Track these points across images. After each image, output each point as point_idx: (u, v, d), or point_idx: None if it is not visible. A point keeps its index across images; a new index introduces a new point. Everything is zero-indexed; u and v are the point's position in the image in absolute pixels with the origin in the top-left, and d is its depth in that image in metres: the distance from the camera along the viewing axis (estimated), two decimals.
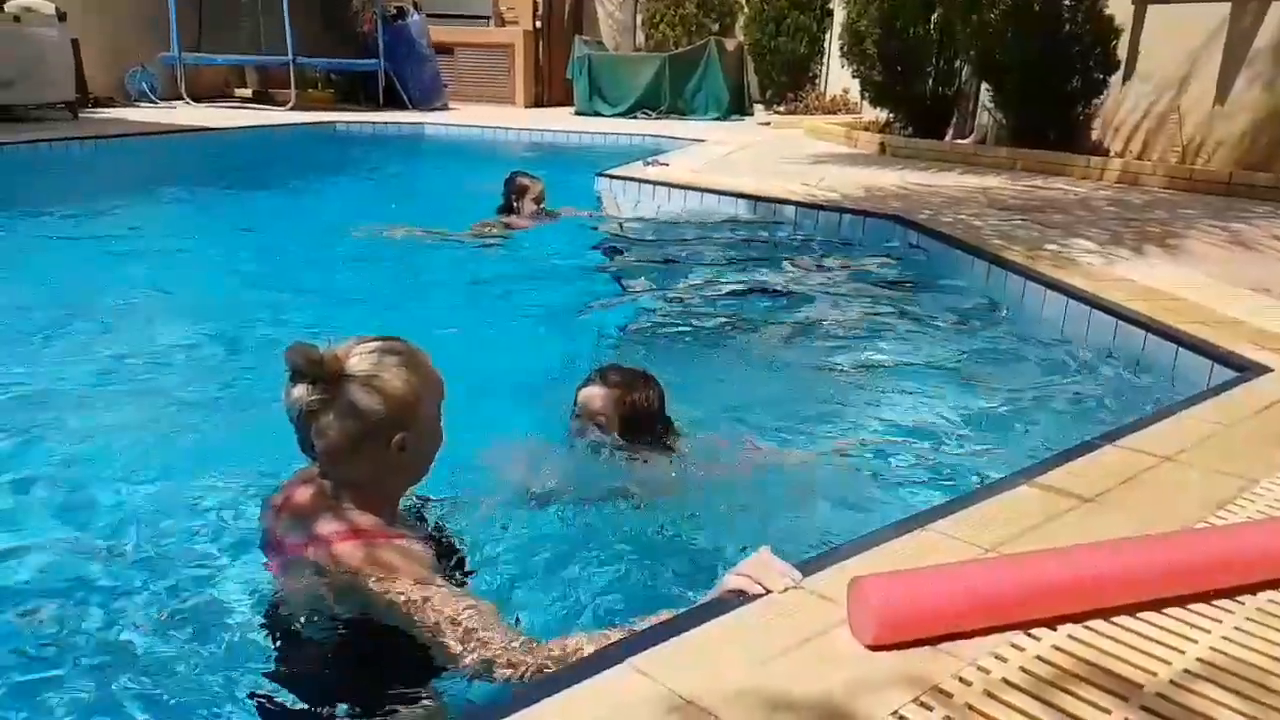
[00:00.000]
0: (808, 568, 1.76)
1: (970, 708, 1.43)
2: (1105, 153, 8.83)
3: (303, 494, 1.78)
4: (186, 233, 6.67)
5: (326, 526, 1.71)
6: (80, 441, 2.91)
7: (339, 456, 1.71)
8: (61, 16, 10.91)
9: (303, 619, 1.71)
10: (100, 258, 5.70)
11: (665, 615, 1.67)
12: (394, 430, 1.70)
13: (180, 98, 13.82)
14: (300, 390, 1.67)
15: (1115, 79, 8.88)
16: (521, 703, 1.42)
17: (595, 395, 2.59)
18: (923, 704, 1.44)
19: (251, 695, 1.73)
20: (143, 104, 13.57)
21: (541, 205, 6.32)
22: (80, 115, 11.28)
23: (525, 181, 6.28)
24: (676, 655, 1.54)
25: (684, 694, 1.43)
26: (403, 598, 1.62)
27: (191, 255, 5.95)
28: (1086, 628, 1.64)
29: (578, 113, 15.26)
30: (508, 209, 6.28)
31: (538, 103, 16.98)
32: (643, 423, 2.61)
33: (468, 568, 1.97)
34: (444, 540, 1.97)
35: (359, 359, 1.69)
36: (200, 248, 6.18)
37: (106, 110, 12.51)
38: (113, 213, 7.15)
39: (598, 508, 2.42)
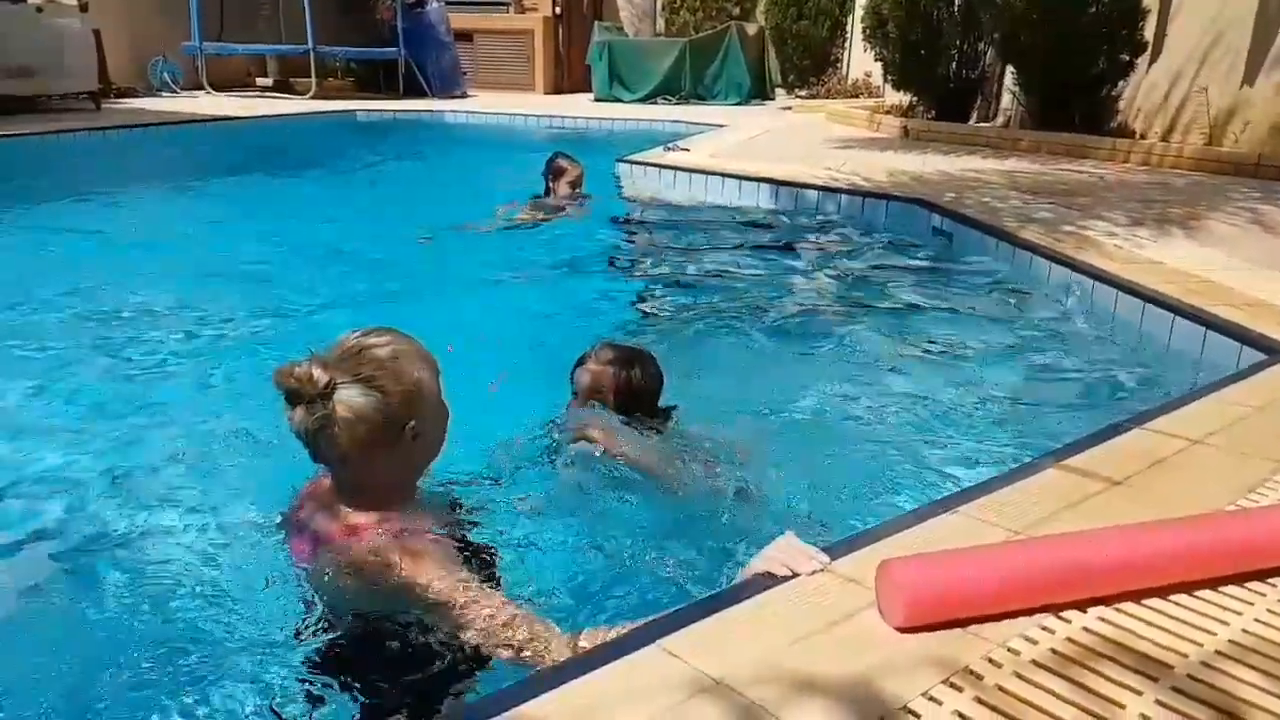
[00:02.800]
0: (835, 551, 1.76)
1: (1001, 689, 1.43)
2: (1131, 135, 8.73)
3: (319, 497, 1.79)
4: (211, 220, 6.72)
5: (338, 526, 1.71)
6: (110, 426, 2.94)
7: (355, 462, 1.70)
8: (84, 7, 10.99)
9: (331, 615, 1.71)
10: (125, 246, 5.76)
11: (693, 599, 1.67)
12: (404, 421, 1.69)
13: (201, 87, 13.90)
14: (299, 413, 1.65)
15: (1142, 61, 8.76)
16: (551, 683, 1.43)
17: (591, 372, 2.54)
18: (953, 685, 1.43)
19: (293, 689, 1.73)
20: (164, 94, 13.65)
21: (577, 190, 6.27)
22: (103, 105, 11.36)
23: (564, 164, 6.24)
24: (705, 637, 1.55)
25: (713, 675, 1.44)
26: (423, 590, 1.61)
27: (218, 242, 5.99)
28: (1117, 610, 1.63)
29: (597, 99, 15.23)
30: (547, 190, 6.24)
31: (557, 89, 16.95)
32: (640, 401, 2.56)
33: (492, 553, 1.95)
34: (467, 526, 1.96)
35: (347, 364, 1.66)
36: (226, 235, 6.22)
37: (129, 100, 12.60)
38: (137, 201, 7.23)
39: (608, 493, 2.38)
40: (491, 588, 1.69)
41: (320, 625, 1.72)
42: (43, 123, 9.57)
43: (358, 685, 1.69)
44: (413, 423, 1.70)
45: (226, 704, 1.72)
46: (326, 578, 1.69)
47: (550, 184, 6.23)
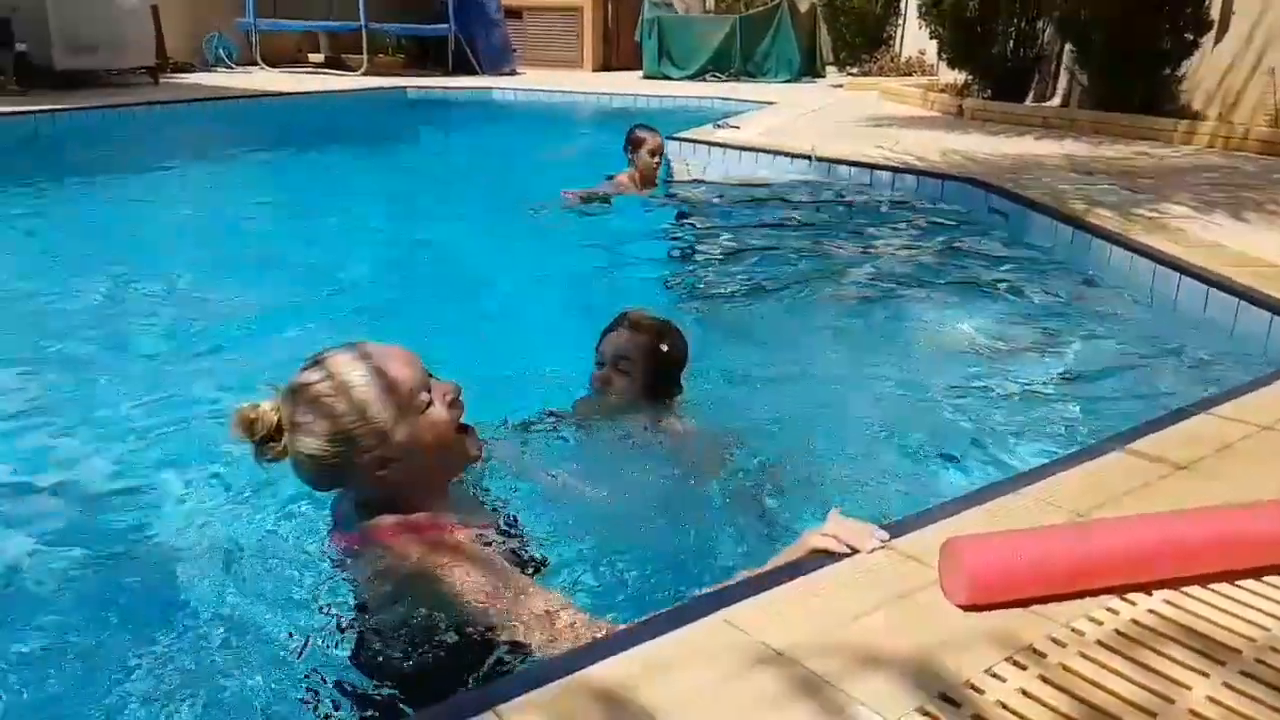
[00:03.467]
0: (896, 529, 1.77)
1: (1065, 667, 1.43)
2: (1194, 116, 8.50)
3: (344, 501, 1.80)
4: (264, 195, 6.83)
5: (357, 531, 1.70)
6: (148, 408, 2.93)
7: (334, 486, 1.73)
8: None
9: (363, 609, 1.69)
10: (180, 220, 5.87)
11: (748, 573, 1.68)
12: (357, 453, 1.63)
13: (255, 63, 14.07)
14: (257, 452, 1.64)
15: (1206, 40, 8.52)
16: (613, 648, 1.46)
17: (624, 341, 2.44)
18: (1015, 663, 1.44)
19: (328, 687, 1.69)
20: (219, 69, 13.85)
21: (657, 159, 6.21)
22: (160, 81, 11.56)
23: (643, 134, 6.17)
24: (767, 609, 1.56)
25: (775, 646, 1.46)
26: (454, 587, 1.57)
27: (272, 218, 6.08)
28: (1183, 593, 1.62)
29: (646, 76, 15.16)
30: (629, 162, 6.18)
31: (605, 66, 16.90)
32: (671, 374, 2.51)
33: (528, 545, 1.88)
34: (507, 530, 1.88)
35: (289, 401, 1.63)
36: (280, 210, 6.31)
37: (185, 75, 12.80)
38: (195, 176, 7.37)
39: (646, 472, 2.31)
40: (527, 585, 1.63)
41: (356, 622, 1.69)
42: (103, 97, 9.76)
43: (389, 679, 1.63)
44: (371, 454, 1.63)
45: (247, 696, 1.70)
46: (356, 579, 1.69)
47: (630, 155, 6.16)
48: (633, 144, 6.15)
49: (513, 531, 1.88)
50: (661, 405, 2.50)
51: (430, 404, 1.69)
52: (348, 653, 1.67)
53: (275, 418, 1.63)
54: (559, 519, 2.06)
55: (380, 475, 1.66)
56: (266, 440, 1.63)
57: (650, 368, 2.44)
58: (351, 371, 1.64)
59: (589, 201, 5.91)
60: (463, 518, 1.76)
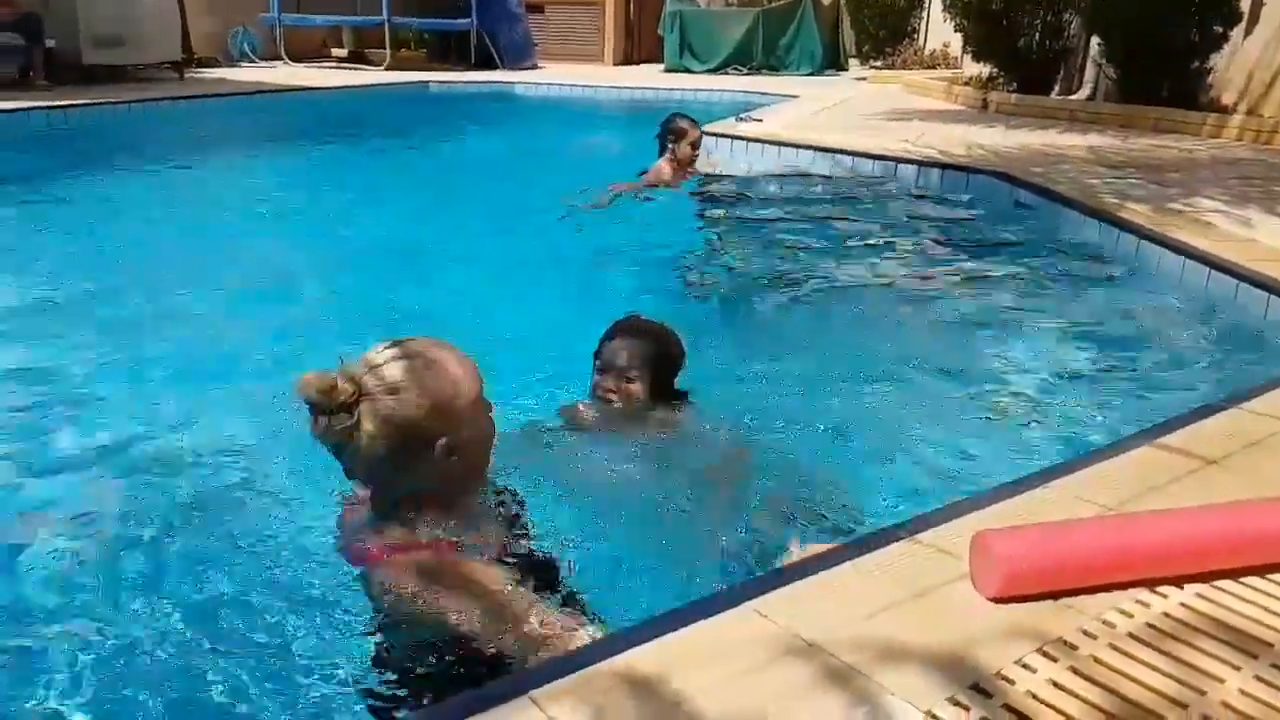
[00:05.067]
0: (927, 521, 1.77)
1: (1095, 659, 1.43)
2: (1223, 110, 8.40)
3: (358, 509, 1.75)
4: (294, 191, 6.85)
5: (376, 543, 1.65)
6: (174, 402, 2.94)
7: (383, 477, 1.64)
8: None
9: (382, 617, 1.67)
10: (207, 215, 5.92)
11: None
12: (433, 436, 1.59)
13: (279, 58, 14.15)
14: (322, 423, 1.57)
15: (1236, 32, 8.41)
16: (645, 637, 1.47)
17: (628, 348, 2.39)
18: (1046, 654, 1.44)
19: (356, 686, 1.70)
20: (244, 64, 13.93)
21: (696, 151, 6.16)
22: (186, 75, 11.64)
23: (684, 125, 6.12)
24: (796, 600, 1.57)
25: (805, 637, 1.47)
26: (454, 622, 1.53)
27: (302, 213, 6.10)
28: (1215, 587, 1.62)
29: (667, 69, 15.12)
30: (662, 150, 6.12)
31: (627, 60, 16.88)
32: (671, 377, 2.47)
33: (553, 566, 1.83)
34: (526, 540, 1.84)
35: (375, 373, 1.58)
36: (311, 205, 6.34)
37: (210, 70, 12.88)
38: (222, 169, 7.44)
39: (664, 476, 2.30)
40: (547, 600, 1.60)
41: (375, 625, 1.68)
42: (129, 91, 9.85)
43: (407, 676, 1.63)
44: (444, 439, 1.60)
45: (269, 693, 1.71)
46: (371, 590, 1.65)
47: (671, 146, 6.07)
48: (674, 135, 6.06)
49: (525, 534, 1.84)
50: (668, 408, 2.47)
51: (491, 405, 1.71)
52: (370, 651, 1.68)
53: (351, 390, 1.56)
54: (577, 521, 2.05)
55: (448, 463, 1.62)
56: (338, 409, 1.56)
57: (654, 372, 2.41)
58: (440, 351, 1.64)
59: (633, 194, 5.87)
60: (475, 528, 1.72)
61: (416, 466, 1.61)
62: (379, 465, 1.60)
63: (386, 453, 1.58)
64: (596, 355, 2.45)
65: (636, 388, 2.39)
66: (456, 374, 1.62)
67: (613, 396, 2.41)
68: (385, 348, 1.62)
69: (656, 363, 2.42)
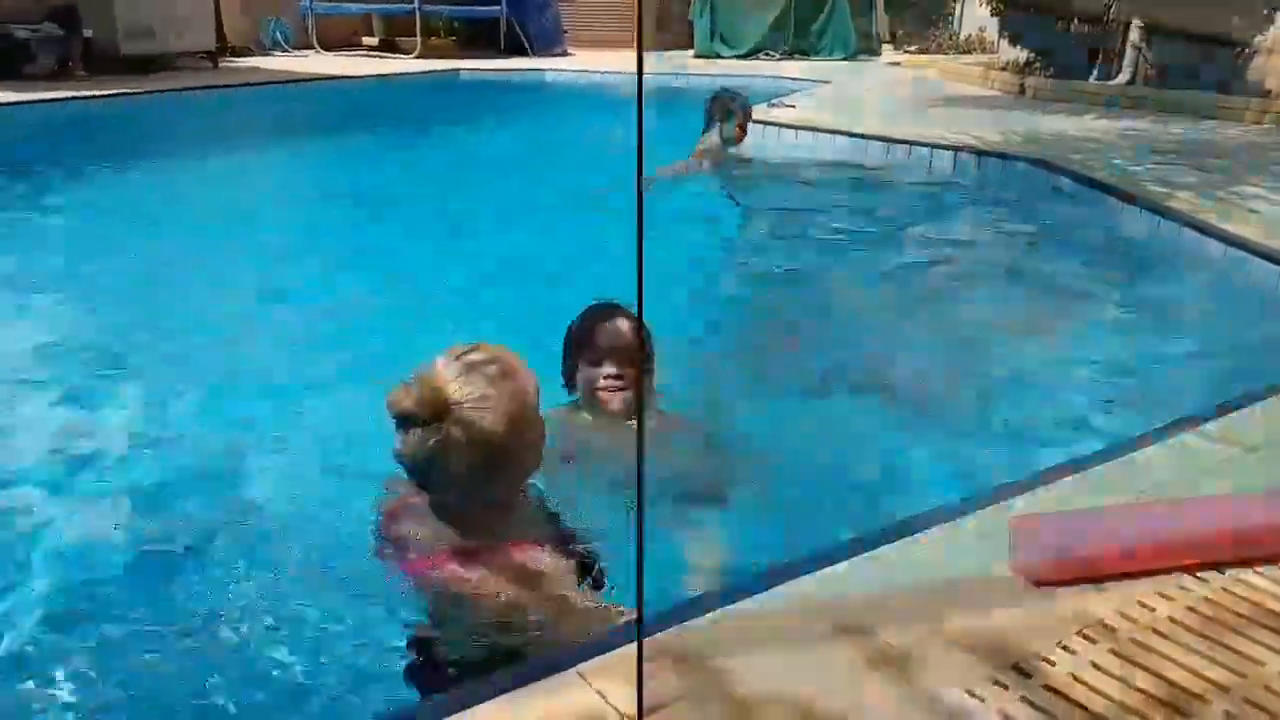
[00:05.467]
0: (966, 507, 1.78)
1: (1135, 642, 1.44)
2: (1265, 95, 8.25)
3: (415, 512, 1.72)
4: (327, 179, 6.92)
5: (440, 552, 1.65)
6: (209, 397, 2.92)
7: (465, 485, 1.63)
8: None
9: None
10: (247, 203, 5.98)
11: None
12: (515, 440, 1.62)
13: (311, 47, 14.25)
14: (413, 437, 1.58)
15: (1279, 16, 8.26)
16: (690, 614, 1.50)
17: (623, 330, 2.08)
18: (1087, 637, 1.45)
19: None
20: (276, 53, 14.05)
21: (744, 131, 6.09)
22: (220, 64, 11.76)
23: (732, 104, 6.06)
24: (841, 581, 1.60)
25: (848, 617, 1.49)
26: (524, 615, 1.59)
27: (350, 201, 6.11)
28: (1255, 572, 1.62)
29: (698, 55, 15.03)
30: (708, 128, 6.04)
31: (656, 45, 16.81)
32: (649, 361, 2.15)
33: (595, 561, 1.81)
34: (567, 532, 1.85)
35: (460, 383, 1.58)
36: (342, 195, 6.38)
37: (244, 59, 13.00)
38: (259, 159, 7.51)
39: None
40: (591, 589, 1.67)
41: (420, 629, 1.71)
42: (165, 81, 9.98)
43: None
44: (523, 440, 1.65)
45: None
46: (427, 598, 1.68)
47: (719, 123, 6.01)
48: (723, 113, 6.00)
49: (569, 532, 1.84)
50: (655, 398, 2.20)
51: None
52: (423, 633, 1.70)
53: (444, 397, 1.57)
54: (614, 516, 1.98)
55: (524, 466, 1.68)
56: (429, 421, 1.56)
57: (644, 353, 2.10)
58: (507, 356, 1.65)
59: (682, 174, 5.82)
60: (528, 522, 1.76)
61: (495, 472, 1.63)
62: (463, 473, 1.61)
63: (474, 460, 1.59)
64: (578, 346, 2.13)
65: (644, 378, 2.07)
66: (526, 378, 1.65)
67: (616, 392, 2.08)
68: (459, 356, 1.62)
69: (642, 342, 2.09)
